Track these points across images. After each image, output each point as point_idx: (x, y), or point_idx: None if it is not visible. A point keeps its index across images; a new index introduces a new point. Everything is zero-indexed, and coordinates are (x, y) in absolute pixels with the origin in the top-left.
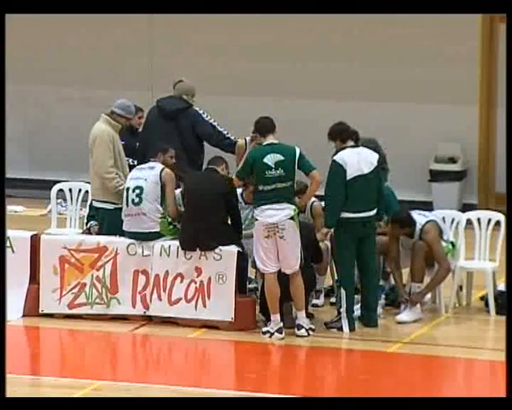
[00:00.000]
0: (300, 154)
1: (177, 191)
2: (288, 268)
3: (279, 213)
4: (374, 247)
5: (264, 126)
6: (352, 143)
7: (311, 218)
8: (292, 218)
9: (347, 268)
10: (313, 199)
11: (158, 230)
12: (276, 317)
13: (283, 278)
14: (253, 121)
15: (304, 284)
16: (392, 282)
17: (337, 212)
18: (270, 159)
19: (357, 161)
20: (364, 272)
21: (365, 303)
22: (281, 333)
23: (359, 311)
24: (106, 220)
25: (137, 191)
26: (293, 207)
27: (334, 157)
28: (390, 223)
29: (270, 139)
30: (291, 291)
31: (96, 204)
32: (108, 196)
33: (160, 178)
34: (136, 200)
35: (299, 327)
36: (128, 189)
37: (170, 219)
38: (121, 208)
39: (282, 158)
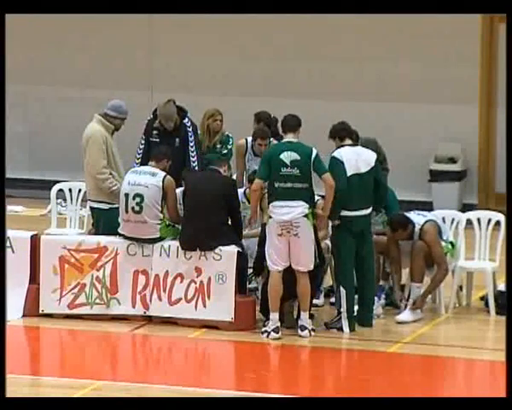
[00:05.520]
0: (316, 155)
1: (178, 190)
2: (301, 266)
3: (293, 211)
4: (371, 246)
5: (287, 124)
6: (350, 141)
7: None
8: (306, 215)
9: (347, 266)
10: (317, 198)
11: (158, 236)
12: (274, 315)
13: (286, 278)
14: (253, 121)
15: (311, 283)
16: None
17: (340, 204)
18: (287, 156)
19: (356, 159)
20: (362, 272)
21: (362, 302)
22: (277, 333)
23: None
24: (102, 221)
25: (138, 199)
26: (308, 205)
27: (333, 154)
28: (388, 226)
29: (290, 137)
30: (297, 290)
31: (91, 204)
32: (103, 196)
33: (163, 186)
34: (137, 208)
35: (303, 328)
36: (127, 195)
37: (168, 222)
38: (116, 208)
39: (298, 157)
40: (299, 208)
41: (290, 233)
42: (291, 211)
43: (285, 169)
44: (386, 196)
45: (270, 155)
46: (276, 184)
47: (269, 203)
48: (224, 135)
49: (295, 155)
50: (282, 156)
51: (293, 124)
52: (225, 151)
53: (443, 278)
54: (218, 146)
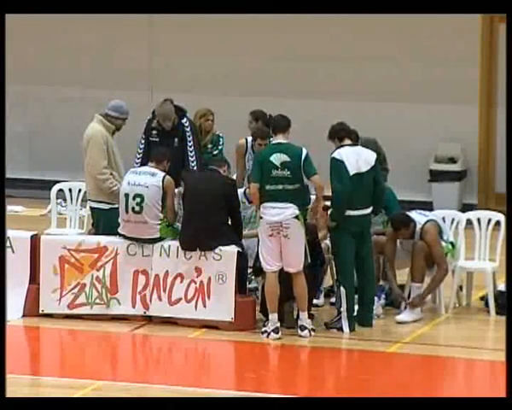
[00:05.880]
0: (306, 155)
1: (177, 190)
2: (291, 267)
3: (284, 212)
4: (371, 246)
5: (278, 125)
6: (349, 141)
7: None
8: (297, 217)
9: (347, 266)
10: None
11: (158, 236)
12: (273, 316)
13: (285, 278)
14: (249, 120)
15: (308, 284)
16: None
17: (345, 206)
18: (277, 158)
19: (356, 159)
20: (362, 272)
21: (362, 302)
22: (277, 333)
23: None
24: (102, 221)
25: (138, 200)
26: (298, 207)
27: (333, 154)
28: (390, 225)
29: (280, 139)
30: (294, 291)
31: (91, 204)
32: (103, 197)
33: (163, 186)
34: (137, 208)
35: (303, 328)
36: (127, 195)
37: (168, 222)
38: (116, 208)
39: (287, 159)
40: (289, 210)
41: (280, 234)
42: (281, 212)
43: (275, 171)
44: (384, 196)
45: (261, 157)
46: (267, 187)
47: (260, 204)
48: (215, 135)
49: (285, 157)
50: (272, 158)
51: (283, 125)
52: (216, 151)
53: (443, 278)
54: (209, 146)
